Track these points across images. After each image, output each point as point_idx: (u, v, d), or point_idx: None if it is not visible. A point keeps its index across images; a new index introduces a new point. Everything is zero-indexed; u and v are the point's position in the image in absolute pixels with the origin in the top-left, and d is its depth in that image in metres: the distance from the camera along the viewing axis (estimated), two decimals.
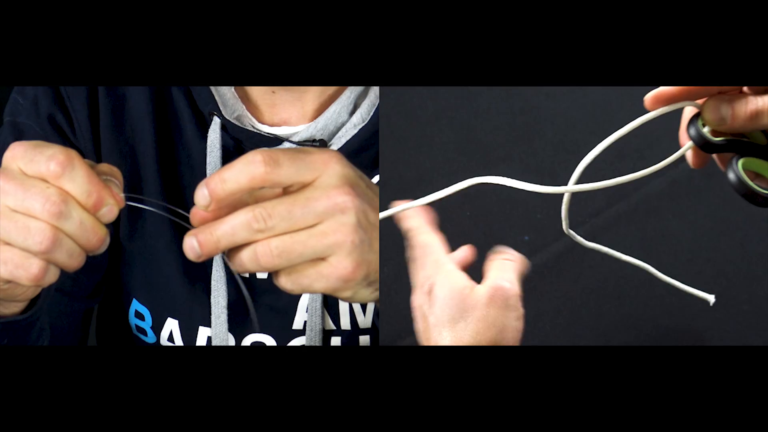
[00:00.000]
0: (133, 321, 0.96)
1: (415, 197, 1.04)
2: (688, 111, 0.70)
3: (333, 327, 0.92)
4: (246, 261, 0.67)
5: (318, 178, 0.67)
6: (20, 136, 0.93)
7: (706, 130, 0.70)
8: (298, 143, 0.89)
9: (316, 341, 0.91)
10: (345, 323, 0.92)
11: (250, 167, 0.66)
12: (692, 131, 0.70)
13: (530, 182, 0.74)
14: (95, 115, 0.92)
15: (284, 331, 0.92)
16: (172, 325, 0.94)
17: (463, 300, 0.76)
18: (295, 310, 0.92)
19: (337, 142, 0.90)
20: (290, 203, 0.66)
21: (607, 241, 1.01)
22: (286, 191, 0.68)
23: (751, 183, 0.69)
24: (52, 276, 0.68)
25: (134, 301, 0.95)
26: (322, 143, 0.89)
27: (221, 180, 0.66)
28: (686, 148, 0.72)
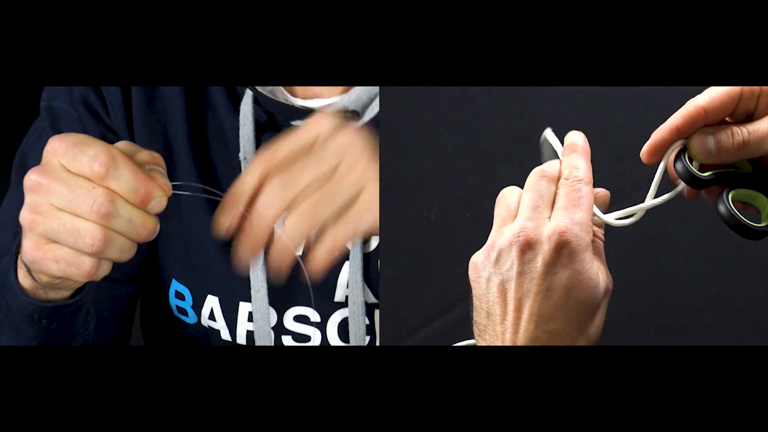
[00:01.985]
0: (174, 302, 0.96)
1: (415, 200, 1.05)
2: (674, 144, 0.71)
3: (375, 300, 0.93)
4: (290, 234, 0.68)
5: (319, 135, 0.69)
6: (55, 120, 0.93)
7: (693, 165, 0.70)
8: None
9: (359, 314, 0.91)
10: None
11: (252, 168, 0.68)
12: (679, 167, 0.70)
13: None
14: (128, 96, 0.93)
15: (327, 304, 0.93)
16: (212, 303, 0.93)
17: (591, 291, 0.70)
18: (336, 284, 0.92)
19: (370, 113, 0.90)
20: (303, 159, 0.68)
21: (606, 241, 1.01)
22: None
23: (742, 217, 0.69)
24: (105, 270, 0.69)
25: (174, 281, 0.95)
26: (355, 114, 0.89)
27: (236, 190, 0.69)
28: (680, 188, 0.72)
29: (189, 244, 0.93)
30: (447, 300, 0.97)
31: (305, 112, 0.90)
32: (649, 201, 0.73)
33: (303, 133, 0.70)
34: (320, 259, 0.69)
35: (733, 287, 0.96)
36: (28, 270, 0.73)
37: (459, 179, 1.06)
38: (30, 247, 0.67)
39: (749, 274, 0.97)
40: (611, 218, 0.74)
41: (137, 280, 0.98)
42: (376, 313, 0.93)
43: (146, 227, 0.68)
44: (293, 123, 0.90)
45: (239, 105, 0.91)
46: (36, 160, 0.93)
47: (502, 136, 1.10)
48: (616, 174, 1.05)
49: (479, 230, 1.03)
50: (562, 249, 0.68)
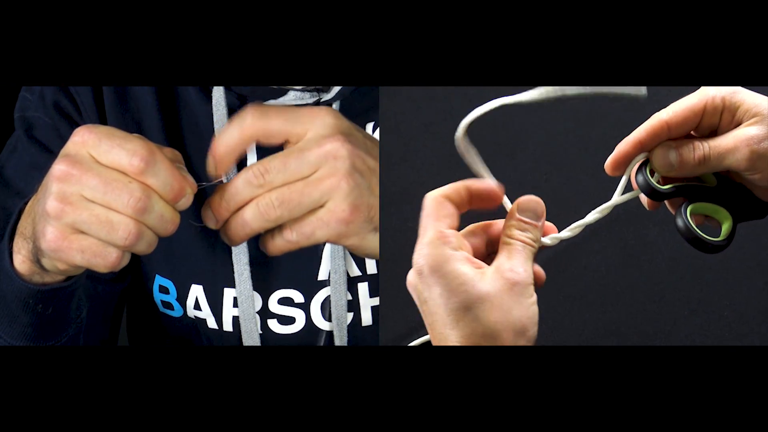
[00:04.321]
0: (158, 297, 0.96)
1: (401, 209, 1.05)
2: (637, 158, 0.71)
3: (358, 273, 0.93)
4: (250, 217, 0.71)
5: (309, 130, 0.71)
6: (30, 128, 0.94)
7: (655, 177, 0.70)
8: (301, 90, 0.89)
9: (341, 289, 0.91)
10: (372, 267, 0.93)
11: (239, 122, 0.71)
12: (640, 179, 0.70)
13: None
14: (99, 96, 0.93)
15: (309, 283, 0.93)
16: (197, 292, 0.94)
17: (467, 292, 0.66)
18: (320, 261, 0.92)
19: (336, 88, 0.90)
20: (284, 156, 0.70)
21: (588, 248, 1.02)
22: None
23: (698, 232, 0.69)
24: (126, 260, 0.70)
25: (157, 276, 0.95)
26: (324, 89, 0.89)
27: (218, 142, 0.71)
28: (624, 198, 0.72)
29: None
30: None
31: (276, 91, 0.90)
32: (599, 209, 0.72)
33: (297, 120, 0.71)
34: (270, 246, 0.74)
35: (715, 294, 0.97)
36: (37, 257, 0.73)
37: None
38: (55, 236, 0.68)
39: (731, 282, 0.98)
40: (561, 235, 0.72)
41: (122, 280, 0.98)
42: (360, 287, 0.93)
43: (174, 223, 0.70)
44: (266, 103, 0.89)
45: (210, 93, 0.91)
46: (11, 170, 0.94)
47: (485, 148, 1.10)
48: (600, 184, 1.06)
49: None
50: (422, 273, 0.67)
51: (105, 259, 0.68)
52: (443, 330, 0.66)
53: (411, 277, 0.69)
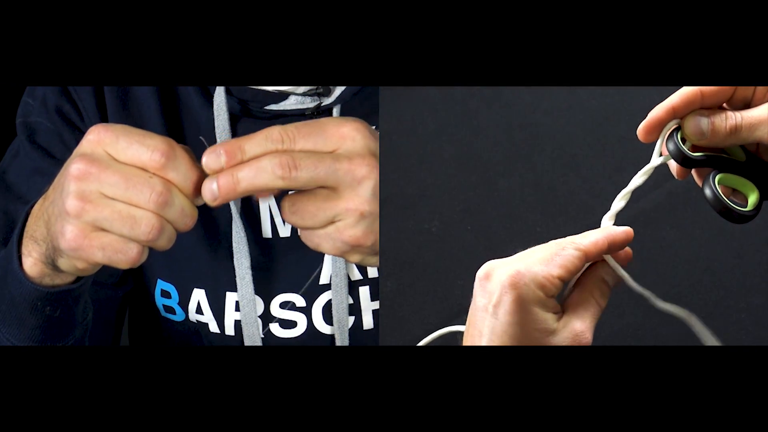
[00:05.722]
0: (160, 301, 0.96)
1: (417, 212, 1.06)
2: (669, 124, 0.71)
3: (359, 276, 0.93)
4: (262, 185, 0.68)
5: (341, 147, 0.68)
6: (32, 133, 0.94)
7: (687, 145, 0.70)
8: (302, 94, 0.89)
9: (342, 292, 0.91)
10: (373, 271, 0.92)
11: (266, 143, 0.67)
12: (671, 146, 0.70)
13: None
14: (102, 101, 0.93)
15: (311, 288, 0.93)
16: (199, 296, 0.94)
17: (537, 340, 0.68)
18: (321, 266, 0.92)
19: (338, 90, 0.90)
20: (317, 160, 0.68)
21: None
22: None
23: (726, 199, 0.69)
24: (145, 256, 0.69)
25: (159, 281, 0.95)
26: (326, 91, 0.89)
27: (239, 148, 0.68)
28: (662, 160, 0.72)
29: None
30: (448, 312, 0.98)
31: (277, 95, 0.90)
32: (642, 171, 0.73)
33: (327, 138, 0.69)
34: (290, 213, 0.69)
35: (731, 297, 0.97)
36: (51, 259, 0.73)
37: (460, 192, 1.07)
38: (75, 235, 0.68)
39: (748, 284, 0.98)
40: (614, 207, 0.74)
41: (124, 284, 0.98)
42: (361, 290, 0.93)
43: (192, 217, 0.69)
44: (267, 108, 0.90)
45: (212, 97, 0.90)
46: (14, 175, 0.94)
47: (502, 150, 1.11)
48: (616, 186, 1.06)
49: (480, 242, 1.04)
50: (507, 294, 0.67)
51: (126, 254, 0.68)
52: (481, 335, 0.67)
53: (495, 275, 0.68)
